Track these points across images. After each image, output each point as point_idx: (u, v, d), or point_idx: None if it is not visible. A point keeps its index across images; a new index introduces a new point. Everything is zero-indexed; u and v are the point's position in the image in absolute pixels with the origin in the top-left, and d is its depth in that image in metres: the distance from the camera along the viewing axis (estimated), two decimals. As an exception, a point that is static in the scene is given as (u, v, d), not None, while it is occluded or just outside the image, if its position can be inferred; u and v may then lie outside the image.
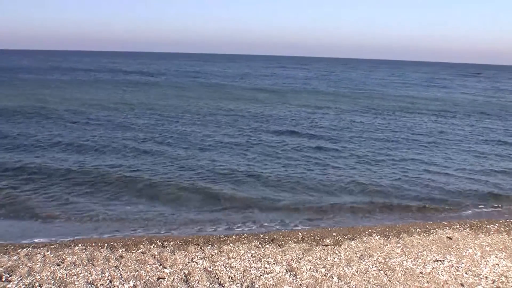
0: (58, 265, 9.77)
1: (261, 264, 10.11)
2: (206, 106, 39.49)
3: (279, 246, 11.19)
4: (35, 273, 9.34)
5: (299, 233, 12.19)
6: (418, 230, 12.70)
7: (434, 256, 10.89)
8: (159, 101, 41.87)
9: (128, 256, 10.29)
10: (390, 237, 12.08)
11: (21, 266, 9.63)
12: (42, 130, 26.16)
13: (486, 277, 9.85)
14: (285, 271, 9.82)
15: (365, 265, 10.29)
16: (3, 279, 9.09)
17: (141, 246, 10.94)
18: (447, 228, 12.98)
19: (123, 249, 10.69)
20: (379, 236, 12.09)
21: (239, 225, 13.25)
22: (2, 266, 9.61)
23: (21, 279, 9.06)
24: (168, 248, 10.84)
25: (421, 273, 9.99)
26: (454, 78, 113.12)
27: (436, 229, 12.85)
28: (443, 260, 10.67)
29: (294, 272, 9.74)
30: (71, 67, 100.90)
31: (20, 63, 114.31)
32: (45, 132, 25.42)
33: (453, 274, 9.98)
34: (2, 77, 64.40)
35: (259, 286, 9.08)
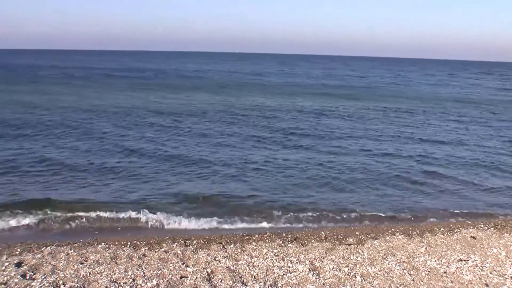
0: (82, 263, 9.81)
1: (284, 263, 10.06)
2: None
3: (302, 245, 11.13)
4: (59, 271, 9.38)
5: (322, 232, 12.13)
6: (441, 229, 12.58)
7: (458, 256, 10.78)
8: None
9: (151, 255, 10.30)
10: (414, 236, 11.98)
11: (45, 264, 9.68)
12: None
13: (511, 277, 9.73)
14: (308, 270, 9.77)
15: (388, 264, 10.21)
16: (27, 277, 9.15)
17: (164, 244, 10.95)
18: (471, 227, 12.84)
19: (146, 248, 10.71)
20: (402, 235, 11.99)
21: (262, 223, 13.22)
22: (26, 264, 9.67)
23: (45, 277, 9.11)
24: (191, 246, 10.84)
25: (445, 272, 9.89)
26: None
27: (460, 228, 12.72)
28: (467, 260, 10.55)
29: (317, 271, 9.69)
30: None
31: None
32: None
33: (477, 274, 9.86)
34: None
35: (282, 285, 9.04)
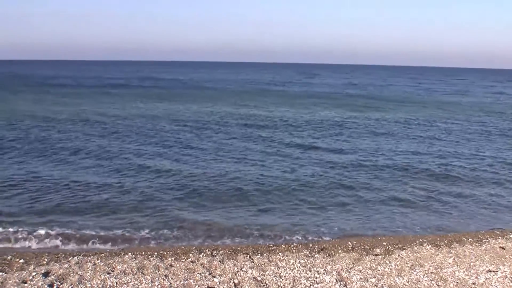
0: (108, 273, 9.86)
1: (311, 274, 10.00)
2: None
3: (328, 255, 11.05)
4: (86, 281, 9.45)
5: (349, 242, 12.02)
6: (470, 239, 12.40)
7: (487, 267, 10.63)
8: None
9: (178, 265, 10.30)
10: (442, 246, 11.83)
11: (72, 274, 9.74)
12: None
13: (542, 289, 9.59)
14: (335, 280, 9.71)
15: (416, 275, 10.10)
16: (55, 287, 9.21)
17: (191, 255, 10.93)
18: (500, 237, 12.65)
19: (173, 258, 10.70)
20: (430, 246, 11.85)
21: (288, 233, 13.13)
22: (54, 274, 9.74)
23: (71, 287, 9.16)
24: (217, 257, 10.81)
25: (473, 283, 9.76)
26: None
27: (489, 238, 12.53)
28: (496, 271, 10.40)
29: (344, 282, 9.62)
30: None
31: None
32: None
33: (507, 285, 9.74)
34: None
35: (309, 296, 9.00)
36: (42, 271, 9.88)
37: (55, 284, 9.31)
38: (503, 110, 47.50)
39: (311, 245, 11.83)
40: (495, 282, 9.88)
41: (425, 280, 9.83)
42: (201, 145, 25.52)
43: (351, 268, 10.31)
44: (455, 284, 9.70)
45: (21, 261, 10.47)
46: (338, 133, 30.93)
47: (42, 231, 12.91)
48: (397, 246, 11.78)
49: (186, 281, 9.52)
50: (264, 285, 9.43)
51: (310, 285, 9.49)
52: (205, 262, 10.47)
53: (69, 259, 10.60)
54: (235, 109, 43.64)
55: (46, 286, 9.25)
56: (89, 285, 9.31)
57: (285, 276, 9.88)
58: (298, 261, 10.67)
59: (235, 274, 9.92)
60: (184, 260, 10.61)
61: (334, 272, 10.09)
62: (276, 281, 9.61)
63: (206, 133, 29.67)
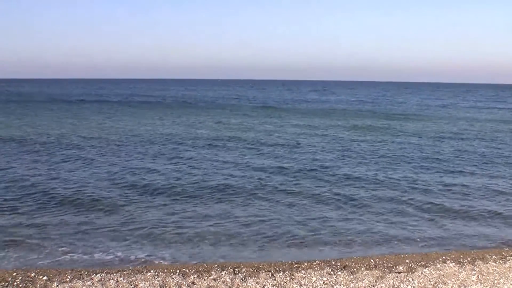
0: (131, 291, 9.89)
1: (334, 292, 9.98)
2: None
3: (351, 273, 10.99)
4: (109, 299, 9.48)
5: (372, 260, 11.96)
6: (493, 257, 12.27)
7: (511, 284, 10.51)
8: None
9: (200, 283, 10.30)
10: (465, 264, 11.72)
11: (95, 292, 9.79)
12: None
13: None
14: (358, 298, 9.67)
15: (440, 293, 10.05)
16: (79, 305, 9.27)
17: (213, 272, 10.92)
18: (524, 254, 12.54)
19: (195, 276, 10.70)
20: (453, 263, 11.74)
21: (310, 251, 13.07)
22: (77, 292, 9.79)
23: (95, 305, 9.22)
24: (239, 275, 10.79)
25: (498, 301, 9.68)
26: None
27: (513, 256, 12.43)
28: (521, 289, 10.30)
29: (367, 300, 9.58)
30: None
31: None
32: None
33: (532, 303, 9.65)
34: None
35: (333, 314, 8.96)
36: (65, 288, 9.94)
37: (79, 302, 9.36)
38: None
39: (333, 262, 11.77)
40: (520, 300, 9.79)
41: (449, 298, 9.77)
42: (219, 158, 25.61)
43: (373, 286, 10.26)
44: (479, 302, 9.63)
45: (45, 278, 10.53)
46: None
47: (66, 248, 12.94)
48: (420, 264, 11.69)
49: (209, 299, 9.53)
50: (286, 303, 9.41)
51: (333, 303, 9.46)
52: (228, 280, 10.46)
53: (92, 276, 10.64)
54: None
55: (69, 304, 9.31)
56: (112, 303, 9.36)
57: (307, 294, 9.87)
58: (320, 278, 10.62)
59: (258, 292, 9.93)
60: (206, 277, 10.60)
61: (357, 290, 10.05)
62: (299, 299, 9.59)
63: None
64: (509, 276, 11.00)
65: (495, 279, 10.78)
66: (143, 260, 12.24)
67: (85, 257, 12.44)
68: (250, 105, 77.81)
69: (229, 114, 57.27)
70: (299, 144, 32.40)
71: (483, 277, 10.92)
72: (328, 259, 12.17)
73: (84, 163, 24.46)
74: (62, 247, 13.00)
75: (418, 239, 14.10)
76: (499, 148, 31.61)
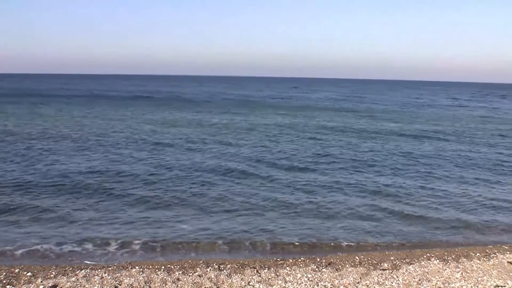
0: (116, 287, 9.84)
1: (318, 288, 10.00)
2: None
3: (336, 270, 11.02)
4: (93, 295, 9.46)
5: (356, 257, 12.00)
6: (477, 254, 12.36)
7: (495, 282, 10.57)
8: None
9: (185, 279, 10.28)
10: (449, 261, 11.79)
11: (79, 288, 9.75)
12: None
13: (552, 304, 9.56)
14: (342, 295, 9.70)
15: (424, 290, 10.09)
16: (62, 301, 9.23)
17: (198, 269, 10.91)
18: (508, 252, 12.58)
19: (180, 272, 10.69)
20: (437, 260, 11.81)
21: (295, 248, 13.09)
22: (61, 287, 9.73)
23: (79, 301, 9.19)
24: (224, 271, 10.79)
25: (481, 298, 9.74)
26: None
27: (497, 253, 12.47)
28: (504, 286, 10.35)
29: (351, 297, 9.61)
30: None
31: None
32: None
33: (515, 300, 9.71)
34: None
35: (317, 310, 8.98)
36: (50, 284, 9.87)
37: (62, 298, 9.32)
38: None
39: (318, 259, 11.81)
40: (503, 297, 9.85)
41: (433, 295, 9.82)
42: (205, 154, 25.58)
43: (358, 283, 10.28)
44: (463, 299, 9.68)
45: (29, 274, 10.47)
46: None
47: (49, 244, 12.89)
48: (404, 261, 11.75)
49: (194, 295, 9.52)
50: (271, 300, 9.42)
51: (318, 299, 9.48)
52: (212, 276, 10.45)
53: (77, 272, 10.59)
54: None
55: (53, 299, 9.27)
56: (97, 298, 9.33)
57: (292, 290, 9.88)
58: (305, 275, 10.64)
59: (242, 288, 9.93)
60: (191, 274, 10.60)
61: (342, 287, 10.06)
62: (284, 296, 9.61)
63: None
64: (492, 273, 11.07)
65: (479, 276, 10.84)
66: (127, 255, 12.25)
67: (69, 251, 12.44)
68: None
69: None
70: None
71: (467, 274, 10.98)
72: (313, 256, 12.22)
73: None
74: (48, 241, 12.96)
75: (403, 237, 14.17)
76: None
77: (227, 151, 27.84)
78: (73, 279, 10.21)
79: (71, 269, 10.81)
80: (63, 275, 10.41)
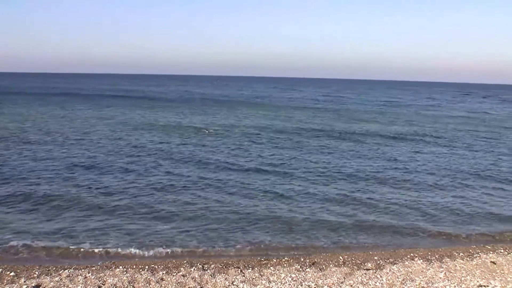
0: (99, 287, 9.83)
1: (302, 288, 10.02)
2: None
3: (320, 269, 11.05)
4: (77, 295, 9.43)
5: (340, 257, 12.03)
6: (461, 254, 12.44)
7: (478, 281, 10.64)
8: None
9: (169, 279, 10.28)
10: (433, 261, 11.85)
11: (62, 288, 9.72)
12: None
13: (533, 304, 9.63)
14: (326, 295, 9.72)
15: (407, 290, 10.14)
16: (45, 301, 9.19)
17: (182, 269, 10.91)
18: (491, 252, 12.68)
19: (164, 272, 10.68)
20: (421, 260, 11.87)
21: (279, 247, 13.08)
22: (45, 287, 9.69)
23: (62, 301, 9.16)
24: (208, 271, 10.79)
25: (464, 298, 9.80)
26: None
27: (480, 253, 12.56)
28: (487, 285, 10.44)
29: (335, 297, 9.63)
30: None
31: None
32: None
33: (497, 300, 9.79)
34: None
35: (300, 310, 9.00)
36: (33, 284, 9.85)
37: (45, 298, 9.28)
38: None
39: (302, 259, 11.83)
40: (486, 296, 9.92)
41: (416, 295, 9.87)
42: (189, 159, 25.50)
43: (342, 283, 10.32)
44: (446, 298, 9.73)
45: (12, 274, 10.44)
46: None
47: (32, 243, 12.82)
48: (388, 261, 11.79)
49: (177, 295, 9.51)
50: (255, 300, 9.43)
51: (301, 299, 9.49)
52: (196, 276, 10.45)
53: (60, 272, 10.56)
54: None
55: (36, 299, 9.23)
56: (80, 299, 9.30)
57: (276, 290, 9.89)
58: (289, 275, 10.66)
59: (226, 288, 9.92)
60: (175, 274, 10.60)
61: (325, 287, 10.09)
62: (267, 296, 9.62)
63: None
64: (476, 273, 11.14)
65: (462, 276, 10.90)
66: (110, 254, 12.23)
67: (52, 251, 12.40)
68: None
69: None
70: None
71: (451, 274, 11.04)
72: (297, 256, 12.24)
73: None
74: (30, 241, 12.89)
75: (387, 237, 14.22)
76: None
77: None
78: (57, 279, 10.18)
79: (54, 269, 10.78)
80: (46, 275, 10.39)
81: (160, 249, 12.73)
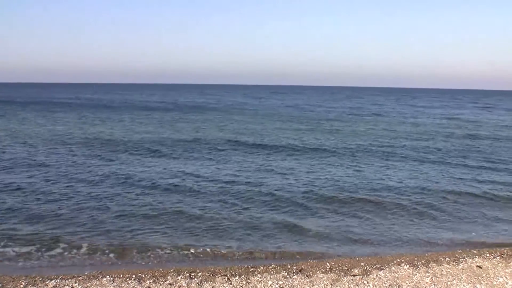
0: (86, 297, 9.81)
1: (289, 295, 10.05)
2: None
3: (307, 276, 11.07)
4: (63, 306, 9.40)
5: (327, 263, 12.06)
6: (447, 259, 12.49)
7: (464, 286, 10.70)
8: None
9: (156, 288, 10.28)
10: (419, 266, 11.90)
11: (49, 298, 9.69)
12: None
13: (518, 307, 9.70)
14: (313, 302, 9.75)
15: (394, 295, 10.19)
16: (31, 311, 9.15)
17: (169, 277, 10.88)
18: (477, 256, 12.75)
19: (151, 281, 10.66)
20: (408, 266, 11.91)
21: (266, 255, 13.12)
22: (31, 298, 9.68)
23: (49, 312, 9.13)
24: (195, 279, 10.78)
25: (451, 303, 9.86)
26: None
27: (466, 257, 12.63)
28: (474, 290, 10.50)
29: (322, 303, 9.66)
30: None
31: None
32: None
33: (484, 304, 9.85)
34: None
35: (287, 317, 9.01)
36: (19, 295, 9.82)
37: (31, 308, 9.25)
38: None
39: (289, 266, 11.84)
40: (472, 301, 9.99)
41: (403, 300, 9.92)
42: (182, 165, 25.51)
43: (329, 289, 10.36)
44: (433, 303, 9.79)
45: (-2, 285, 10.39)
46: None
47: (18, 252, 12.80)
48: (375, 267, 11.83)
49: (164, 304, 9.50)
50: (242, 307, 9.44)
51: (288, 306, 9.51)
52: (183, 285, 10.44)
53: (47, 282, 10.51)
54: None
55: (22, 310, 9.20)
56: (66, 309, 9.27)
57: (263, 298, 9.92)
58: (276, 282, 10.67)
59: (213, 296, 9.94)
60: (162, 282, 10.57)
61: (312, 293, 10.13)
62: (254, 303, 9.64)
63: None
64: (462, 277, 11.20)
65: (449, 281, 10.95)
66: (98, 264, 12.22)
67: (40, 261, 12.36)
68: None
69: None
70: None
71: (437, 279, 11.09)
72: (284, 263, 12.26)
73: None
74: (17, 250, 12.87)
75: (373, 243, 14.31)
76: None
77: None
78: (43, 289, 10.15)
79: (41, 279, 10.71)
80: (33, 285, 10.34)
81: (147, 258, 12.74)
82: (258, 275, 11.15)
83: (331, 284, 10.65)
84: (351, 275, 11.22)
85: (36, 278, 10.78)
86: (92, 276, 11.00)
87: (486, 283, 10.85)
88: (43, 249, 13.12)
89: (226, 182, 21.26)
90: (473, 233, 15.44)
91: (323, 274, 11.24)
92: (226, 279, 10.82)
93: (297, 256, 13.11)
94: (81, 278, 10.83)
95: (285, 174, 23.57)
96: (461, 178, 23.37)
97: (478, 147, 34.79)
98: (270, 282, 10.66)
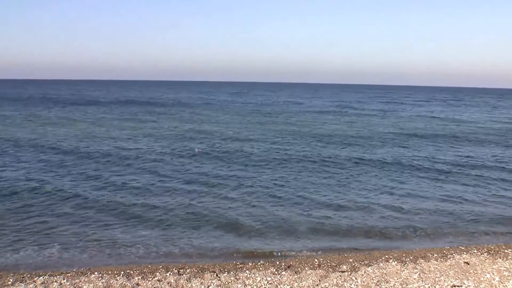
0: (74, 293, 9.79)
1: (278, 291, 10.07)
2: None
3: (295, 272, 11.11)
4: (51, 302, 9.37)
5: (316, 260, 12.10)
6: (435, 255, 12.56)
7: (451, 282, 10.76)
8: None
9: (145, 284, 10.28)
10: (407, 262, 11.96)
11: (37, 295, 9.66)
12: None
13: (505, 303, 9.76)
14: (301, 298, 9.77)
15: (382, 291, 10.23)
16: (20, 307, 9.13)
17: (157, 273, 10.90)
18: (464, 253, 12.83)
19: (139, 277, 10.66)
20: (396, 262, 11.97)
21: (254, 251, 13.11)
22: (19, 295, 9.65)
23: (37, 308, 9.10)
24: (184, 275, 10.79)
25: (438, 298, 9.90)
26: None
27: (453, 254, 12.70)
28: (461, 286, 10.55)
29: (310, 299, 9.68)
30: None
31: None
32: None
33: (471, 299, 9.90)
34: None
35: (275, 313, 9.03)
36: (7, 292, 9.78)
37: (20, 305, 9.22)
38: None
39: (278, 262, 11.88)
40: (459, 296, 10.04)
41: (390, 296, 9.96)
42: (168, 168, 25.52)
43: (317, 285, 10.38)
44: (420, 299, 9.83)
45: (-15, 282, 10.34)
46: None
47: (5, 249, 12.76)
48: (363, 263, 11.88)
49: (153, 301, 9.50)
50: (230, 303, 9.45)
51: (277, 302, 9.53)
52: (172, 281, 10.46)
53: (35, 279, 10.50)
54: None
55: (10, 307, 9.17)
56: (55, 305, 9.24)
57: (251, 294, 9.93)
58: (265, 278, 10.71)
59: (202, 292, 9.94)
60: (151, 279, 10.58)
61: (301, 289, 10.15)
62: (243, 299, 9.65)
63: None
64: (449, 273, 11.26)
65: (436, 277, 11.02)
66: (86, 260, 12.19)
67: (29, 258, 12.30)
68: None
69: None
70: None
71: (425, 275, 11.15)
72: (272, 259, 12.28)
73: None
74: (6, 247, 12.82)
75: (362, 240, 14.37)
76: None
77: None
78: (31, 285, 10.14)
79: (29, 276, 10.71)
80: (21, 282, 10.33)
81: (136, 254, 12.71)
82: (247, 271, 11.18)
83: (319, 280, 10.69)
84: (339, 271, 11.27)
85: (24, 275, 10.77)
86: (81, 272, 11.00)
87: (474, 279, 10.92)
88: (31, 246, 13.05)
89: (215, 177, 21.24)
90: (462, 229, 15.50)
91: (312, 270, 11.28)
92: (215, 275, 10.84)
93: (286, 252, 13.13)
94: (69, 274, 10.82)
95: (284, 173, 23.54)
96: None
97: None
98: (258, 278, 10.69)
